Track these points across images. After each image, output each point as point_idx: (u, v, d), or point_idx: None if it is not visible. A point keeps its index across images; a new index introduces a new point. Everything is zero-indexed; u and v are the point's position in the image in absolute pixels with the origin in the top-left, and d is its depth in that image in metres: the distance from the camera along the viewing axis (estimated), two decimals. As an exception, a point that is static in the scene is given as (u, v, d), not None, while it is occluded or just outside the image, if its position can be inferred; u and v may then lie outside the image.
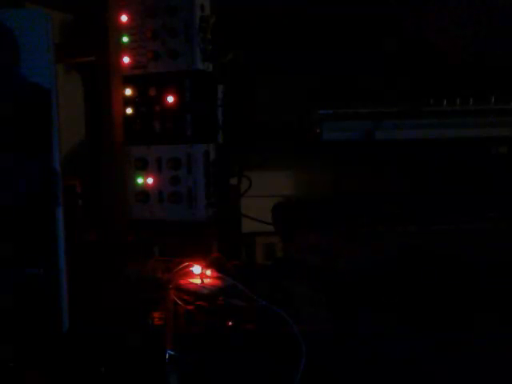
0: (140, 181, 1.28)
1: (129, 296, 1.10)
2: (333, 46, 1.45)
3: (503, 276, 1.17)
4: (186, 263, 1.21)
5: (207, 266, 1.21)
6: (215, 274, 1.18)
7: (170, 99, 1.25)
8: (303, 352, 0.90)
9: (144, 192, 1.28)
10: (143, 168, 1.28)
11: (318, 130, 1.32)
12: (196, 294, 1.11)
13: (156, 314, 1.02)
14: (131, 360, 0.91)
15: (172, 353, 0.90)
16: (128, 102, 1.27)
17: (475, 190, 1.39)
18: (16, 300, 0.91)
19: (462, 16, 1.45)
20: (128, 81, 1.27)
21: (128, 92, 1.27)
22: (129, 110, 1.28)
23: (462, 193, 1.38)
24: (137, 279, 1.18)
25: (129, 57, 1.27)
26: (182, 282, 1.16)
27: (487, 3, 1.45)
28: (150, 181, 1.28)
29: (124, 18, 1.26)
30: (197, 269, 1.20)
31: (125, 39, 1.26)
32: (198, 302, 1.06)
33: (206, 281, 1.16)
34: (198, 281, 1.16)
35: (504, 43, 1.44)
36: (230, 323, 1.00)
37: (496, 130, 1.32)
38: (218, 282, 1.15)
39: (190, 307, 1.05)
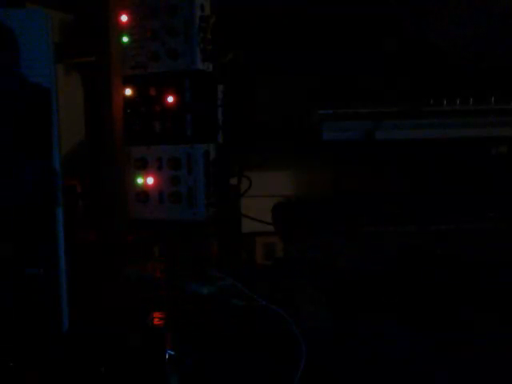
0: (140, 181, 1.28)
1: (129, 296, 1.10)
2: (333, 46, 1.45)
3: (503, 276, 1.17)
4: (186, 263, 1.21)
5: (207, 266, 1.21)
6: (215, 274, 1.18)
7: (170, 99, 1.25)
8: (303, 352, 0.90)
9: (144, 192, 1.28)
10: (143, 168, 1.28)
11: (318, 130, 1.32)
12: (196, 293, 1.11)
13: (156, 314, 1.03)
14: (131, 360, 0.91)
15: (172, 353, 0.90)
16: (128, 102, 1.27)
17: (475, 190, 1.39)
18: (16, 300, 0.91)
19: (462, 16, 1.45)
20: (128, 81, 1.27)
21: (128, 92, 1.27)
22: (129, 110, 1.28)
23: (462, 193, 1.38)
24: (137, 279, 1.18)
25: (129, 57, 1.27)
26: (182, 281, 1.16)
27: (487, 3, 1.45)
28: (150, 181, 1.28)
29: (124, 18, 1.26)
30: (196, 268, 1.20)
31: (125, 39, 1.26)
32: (198, 302, 1.07)
33: (206, 281, 1.16)
34: (197, 281, 1.16)
35: (504, 43, 1.44)
36: (229, 324, 1.00)
37: (496, 129, 1.32)
38: (218, 282, 1.15)
39: (190, 307, 1.05)
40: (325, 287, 1.15)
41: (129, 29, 1.26)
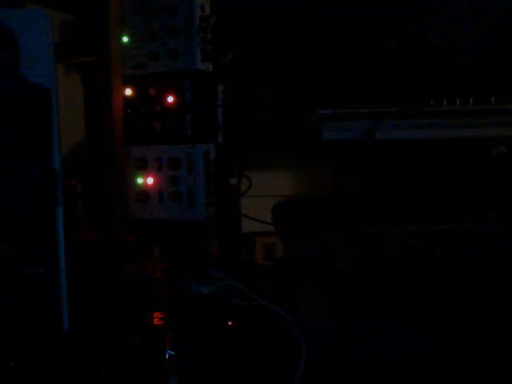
0: (140, 181, 1.28)
1: (129, 296, 1.10)
2: (333, 46, 1.45)
3: (503, 276, 1.17)
4: (186, 263, 1.21)
5: (207, 266, 1.21)
6: (215, 274, 1.18)
7: (170, 99, 1.25)
8: (303, 352, 0.90)
9: (144, 192, 1.28)
10: (143, 168, 1.28)
11: (318, 130, 1.32)
12: (196, 293, 1.11)
13: (156, 314, 1.03)
14: (131, 360, 0.91)
15: (172, 353, 0.90)
16: (128, 102, 1.27)
17: (475, 190, 1.39)
18: (16, 300, 0.91)
19: (462, 16, 1.45)
20: (128, 81, 1.27)
21: (128, 92, 1.27)
22: (129, 110, 1.28)
23: (462, 193, 1.38)
24: (137, 279, 1.18)
25: (129, 57, 1.27)
26: (182, 281, 1.16)
27: (487, 3, 1.45)
28: (150, 181, 1.28)
29: (124, 19, 1.26)
30: (196, 268, 1.20)
31: (125, 39, 1.26)
32: (198, 302, 1.06)
33: (206, 281, 1.16)
34: (197, 281, 1.16)
35: (504, 43, 1.44)
36: (230, 323, 1.00)
37: (496, 129, 1.32)
38: (218, 282, 1.15)
39: (190, 307, 1.05)
40: (325, 287, 1.15)
41: (129, 29, 1.26)
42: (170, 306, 1.07)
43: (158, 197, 1.27)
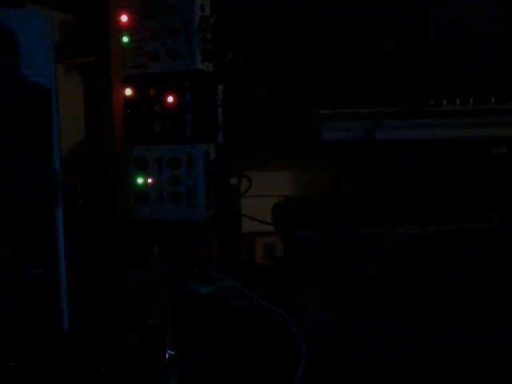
0: (140, 181, 1.28)
1: (129, 296, 1.10)
2: (333, 46, 1.45)
3: (503, 276, 1.17)
4: (186, 263, 1.21)
5: (207, 266, 1.21)
6: (215, 274, 1.18)
7: (170, 99, 1.25)
8: (303, 352, 0.90)
9: (144, 192, 1.28)
10: (143, 168, 1.28)
11: (318, 130, 1.33)
12: (196, 293, 1.11)
13: (156, 314, 1.03)
14: (131, 360, 0.91)
15: (172, 353, 0.90)
16: (128, 101, 1.27)
17: (475, 190, 1.39)
18: (16, 300, 0.91)
19: (462, 16, 1.45)
20: (128, 81, 1.27)
21: (128, 92, 1.27)
22: (129, 110, 1.28)
23: (462, 193, 1.38)
24: (137, 279, 1.18)
25: (129, 57, 1.27)
26: (182, 281, 1.16)
27: (487, 3, 1.45)
28: (150, 181, 1.28)
29: (124, 18, 1.26)
30: (196, 268, 1.20)
31: (125, 39, 1.26)
32: (198, 302, 1.06)
33: (206, 281, 1.16)
34: (197, 281, 1.16)
35: (504, 43, 1.44)
36: (230, 323, 1.00)
37: (496, 129, 1.32)
38: (217, 282, 1.15)
39: (190, 307, 1.05)
40: (325, 287, 1.15)
41: (129, 29, 1.26)
42: (170, 305, 1.07)
43: (158, 197, 1.27)
